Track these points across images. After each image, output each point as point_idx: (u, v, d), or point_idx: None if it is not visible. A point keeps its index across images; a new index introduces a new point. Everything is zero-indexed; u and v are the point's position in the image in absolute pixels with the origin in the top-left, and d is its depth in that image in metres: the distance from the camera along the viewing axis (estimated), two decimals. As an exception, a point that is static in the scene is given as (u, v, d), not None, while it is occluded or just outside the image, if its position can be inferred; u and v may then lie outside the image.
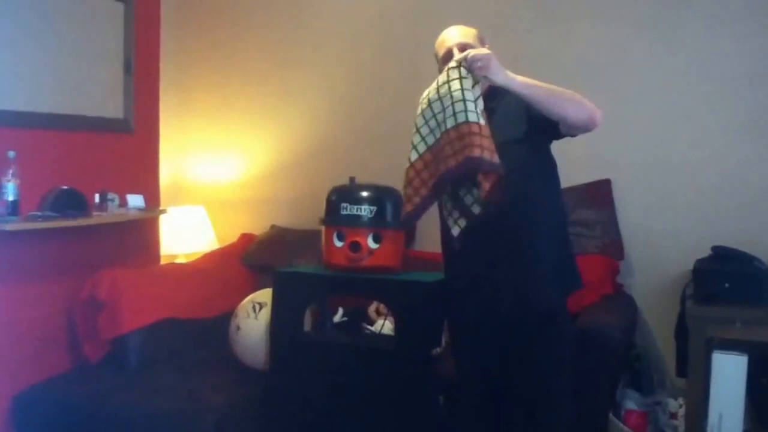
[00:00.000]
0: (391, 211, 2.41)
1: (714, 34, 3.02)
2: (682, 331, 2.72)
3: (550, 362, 2.09)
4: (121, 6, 3.13)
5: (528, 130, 2.06)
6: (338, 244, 2.39)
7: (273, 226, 3.64)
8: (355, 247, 2.36)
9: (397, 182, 2.56)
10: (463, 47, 2.10)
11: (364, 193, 2.40)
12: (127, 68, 3.18)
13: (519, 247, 2.06)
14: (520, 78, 1.98)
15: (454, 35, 2.18)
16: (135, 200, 3.08)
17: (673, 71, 3.08)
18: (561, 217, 2.19)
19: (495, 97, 2.11)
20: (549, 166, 2.14)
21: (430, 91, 2.07)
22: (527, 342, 2.08)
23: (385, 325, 2.67)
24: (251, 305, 2.74)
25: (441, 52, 2.18)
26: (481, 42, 2.17)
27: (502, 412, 2.14)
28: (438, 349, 2.72)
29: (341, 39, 3.60)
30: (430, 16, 3.44)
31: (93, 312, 2.81)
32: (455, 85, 1.96)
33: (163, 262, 3.49)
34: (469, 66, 1.96)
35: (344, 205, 2.39)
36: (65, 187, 2.76)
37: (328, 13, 3.62)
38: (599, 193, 3.13)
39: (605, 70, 3.16)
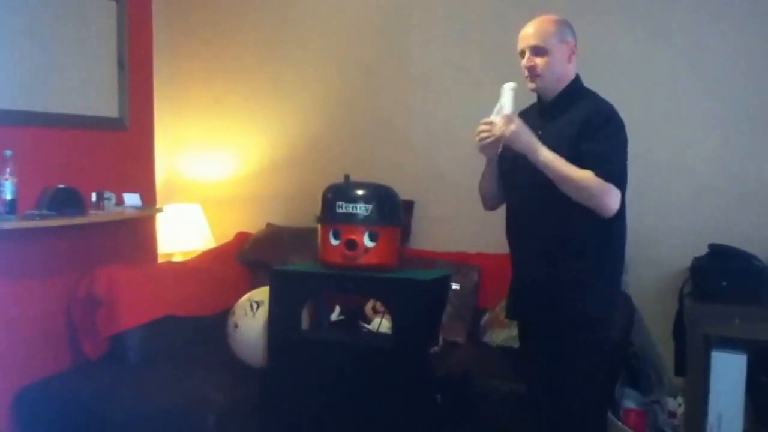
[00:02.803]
0: (387, 209, 2.40)
1: (706, 30, 3.00)
2: (680, 330, 2.71)
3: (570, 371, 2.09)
4: (113, 4, 3.13)
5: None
6: (334, 242, 2.38)
7: (269, 224, 3.63)
8: (351, 245, 2.35)
9: (392, 179, 2.56)
10: (536, 49, 2.10)
11: (360, 191, 2.39)
12: (121, 66, 3.18)
13: (538, 254, 2.12)
14: (543, 153, 2.00)
15: (529, 34, 2.13)
16: (132, 199, 3.08)
17: (665, 68, 3.06)
18: (597, 234, 2.11)
19: (557, 106, 2.14)
20: None
21: None
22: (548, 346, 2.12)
23: (382, 323, 2.66)
24: (249, 303, 2.74)
25: (518, 48, 2.16)
26: (561, 35, 2.11)
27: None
28: (435, 347, 2.71)
29: (335, 36, 3.60)
30: (422, 13, 3.44)
31: (91, 310, 2.81)
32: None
33: (159, 260, 3.48)
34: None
35: (340, 203, 2.38)
36: (62, 186, 2.77)
37: (322, 10, 3.61)
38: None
39: (594, 67, 3.12)
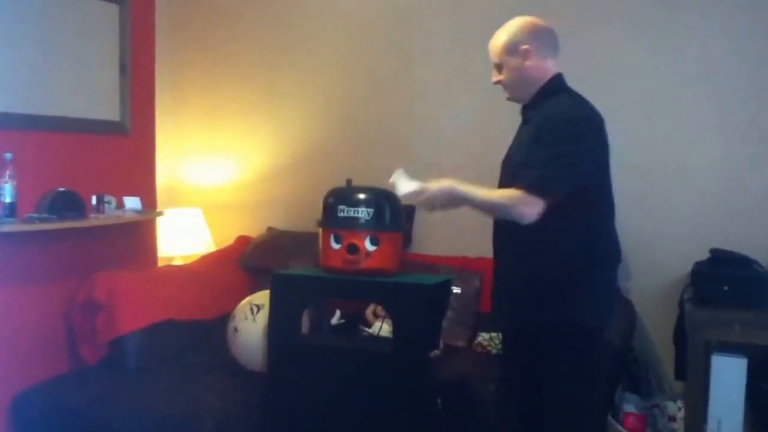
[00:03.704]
0: (389, 213, 2.40)
1: (712, 37, 3.01)
2: (680, 335, 2.71)
3: (557, 375, 2.07)
4: (116, 8, 3.12)
5: None
6: (335, 246, 2.38)
7: (270, 229, 3.63)
8: (353, 249, 2.35)
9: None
10: (497, 66, 2.15)
11: (362, 196, 2.39)
12: (123, 70, 3.17)
13: (512, 261, 2.12)
14: (466, 192, 2.03)
15: (489, 50, 2.17)
16: (132, 202, 3.07)
17: (670, 74, 3.07)
18: (568, 241, 2.05)
19: (530, 109, 2.14)
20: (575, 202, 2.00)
21: None
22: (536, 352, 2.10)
23: (382, 328, 2.66)
24: (249, 307, 2.74)
25: None
26: (511, 48, 2.10)
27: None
28: (436, 352, 2.71)
29: (337, 41, 3.60)
30: (424, 18, 3.44)
31: (90, 314, 2.80)
32: None
33: (160, 264, 3.48)
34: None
35: (341, 207, 2.38)
36: (62, 189, 2.76)
37: (324, 15, 3.62)
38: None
39: (601, 73, 3.16)
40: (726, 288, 2.56)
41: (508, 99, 2.18)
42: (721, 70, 3.00)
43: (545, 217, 1.95)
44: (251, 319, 2.69)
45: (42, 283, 2.80)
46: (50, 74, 2.86)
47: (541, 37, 2.12)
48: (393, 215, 2.41)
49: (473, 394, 2.59)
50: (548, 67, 2.12)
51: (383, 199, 2.41)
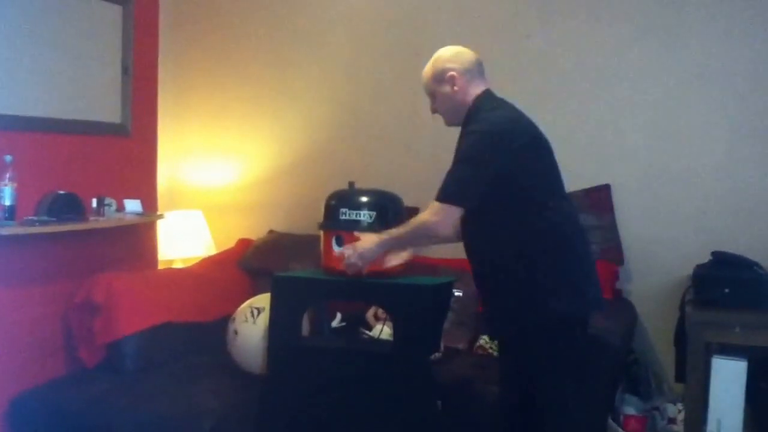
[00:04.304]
0: (391, 215, 2.40)
1: (715, 39, 3.02)
2: (681, 337, 2.72)
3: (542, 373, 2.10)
4: (119, 9, 3.12)
5: None
6: (337, 248, 2.38)
7: (271, 231, 3.63)
8: (354, 251, 2.35)
9: (396, 186, 2.56)
10: (429, 96, 2.25)
11: (364, 198, 2.39)
12: (125, 72, 3.17)
13: (482, 274, 2.18)
14: (378, 241, 2.21)
15: (422, 83, 2.26)
16: (132, 205, 3.07)
17: (673, 76, 3.08)
18: (523, 247, 2.09)
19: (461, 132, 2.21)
20: (506, 201, 2.07)
21: None
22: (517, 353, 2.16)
23: (383, 330, 2.66)
24: (249, 310, 2.73)
25: None
26: (439, 77, 2.19)
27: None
28: (437, 354, 2.71)
29: (340, 43, 3.60)
30: (429, 21, 3.45)
31: (89, 316, 2.80)
32: None
33: (160, 267, 3.47)
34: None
35: (343, 209, 2.38)
36: (62, 192, 2.76)
37: (327, 17, 3.62)
38: (599, 198, 3.13)
39: (604, 74, 3.17)
40: (727, 290, 2.57)
41: (447, 125, 2.28)
42: (724, 73, 3.01)
43: (485, 227, 2.09)
44: (251, 322, 2.69)
45: (41, 285, 2.80)
46: (51, 75, 2.86)
47: (464, 62, 2.20)
48: (395, 218, 2.41)
49: (474, 397, 2.59)
50: (474, 89, 2.19)
51: (385, 202, 2.42)
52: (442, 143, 3.39)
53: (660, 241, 3.09)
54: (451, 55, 2.21)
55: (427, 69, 2.22)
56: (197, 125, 3.85)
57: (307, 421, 2.39)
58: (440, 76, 2.18)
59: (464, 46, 3.36)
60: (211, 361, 2.87)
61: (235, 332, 2.72)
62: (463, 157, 2.09)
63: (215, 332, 2.92)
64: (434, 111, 2.27)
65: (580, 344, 2.13)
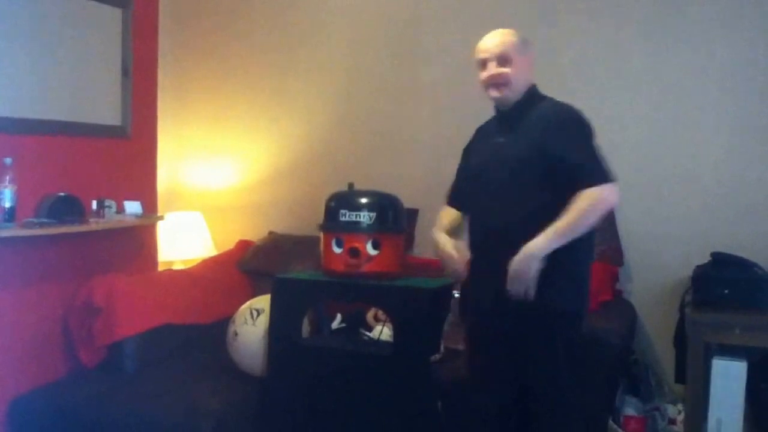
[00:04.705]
0: (391, 217, 2.40)
1: (714, 39, 3.02)
2: (681, 337, 2.72)
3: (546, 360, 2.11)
4: (118, 12, 3.12)
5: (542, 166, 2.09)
6: (337, 250, 2.39)
7: (271, 233, 3.63)
8: (354, 253, 2.35)
9: (396, 188, 2.56)
10: (502, 59, 2.15)
11: (364, 199, 2.40)
12: (125, 74, 3.17)
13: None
14: (549, 236, 2.02)
15: (493, 44, 2.18)
16: (132, 207, 3.07)
17: (672, 76, 3.08)
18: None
19: (517, 113, 2.18)
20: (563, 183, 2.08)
21: None
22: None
23: (383, 331, 2.66)
24: (249, 311, 2.73)
25: (477, 59, 2.22)
26: (522, 48, 2.18)
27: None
28: (437, 355, 2.71)
29: (340, 44, 3.60)
30: (428, 22, 3.45)
31: (89, 318, 2.80)
32: None
33: (160, 268, 3.48)
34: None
35: (343, 211, 2.38)
36: (62, 194, 2.76)
37: (327, 19, 3.62)
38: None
39: (603, 74, 3.17)
40: (726, 291, 2.57)
41: (497, 98, 2.20)
42: (724, 73, 3.01)
43: (535, 210, 2.05)
44: (251, 323, 2.69)
45: (41, 287, 2.80)
46: (51, 78, 2.86)
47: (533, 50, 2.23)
48: (395, 219, 2.42)
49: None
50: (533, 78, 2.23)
51: (385, 203, 2.42)
52: (442, 144, 3.42)
53: (660, 242, 3.09)
54: (527, 40, 2.22)
55: (511, 36, 2.19)
56: (197, 127, 3.85)
57: (307, 422, 2.40)
58: (524, 49, 2.18)
59: (461, 48, 3.37)
60: (211, 363, 2.87)
61: (235, 333, 2.72)
62: (586, 137, 2.11)
63: (215, 333, 2.92)
64: (500, 75, 2.16)
65: (583, 338, 2.17)
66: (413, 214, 3.26)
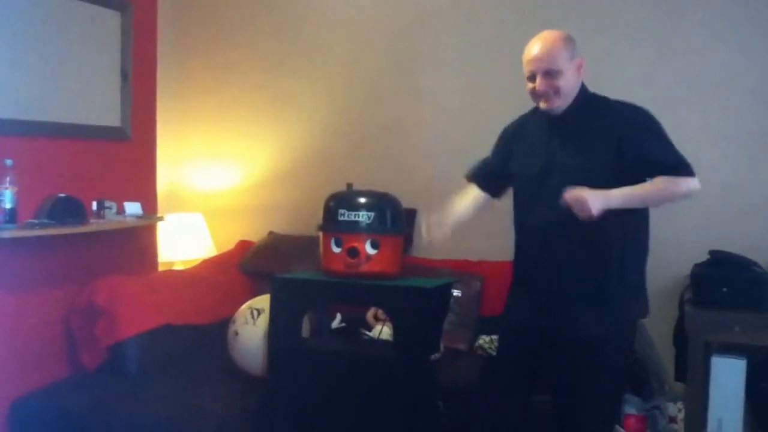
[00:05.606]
0: (390, 217, 2.41)
1: (713, 42, 3.03)
2: (680, 336, 2.72)
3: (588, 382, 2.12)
4: (118, 14, 3.13)
5: (616, 167, 2.08)
6: (336, 250, 2.39)
7: (270, 233, 3.64)
8: (353, 253, 2.36)
9: (395, 188, 2.57)
10: (551, 72, 2.08)
11: (362, 199, 2.40)
12: (125, 76, 3.18)
13: (592, 259, 2.11)
14: (617, 194, 2.02)
15: (540, 57, 2.11)
16: (132, 208, 3.08)
17: (673, 81, 3.08)
18: (638, 242, 2.19)
19: (571, 118, 2.15)
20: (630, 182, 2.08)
21: None
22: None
23: (383, 331, 2.67)
24: (249, 311, 2.74)
25: (525, 69, 2.16)
26: (571, 53, 2.12)
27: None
28: (437, 355, 2.72)
29: (339, 47, 3.61)
30: (428, 26, 3.45)
31: (90, 319, 2.81)
32: None
33: (160, 269, 3.48)
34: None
35: (342, 211, 2.39)
36: (63, 195, 2.77)
37: (326, 22, 3.63)
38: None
39: (601, 78, 3.15)
40: (725, 289, 2.57)
41: (549, 108, 2.14)
42: (722, 74, 3.01)
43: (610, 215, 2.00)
44: (252, 324, 2.69)
45: (42, 288, 2.81)
46: (51, 80, 2.87)
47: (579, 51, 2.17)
48: (394, 219, 2.42)
49: (474, 397, 2.59)
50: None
51: (384, 203, 2.42)
52: (440, 146, 3.43)
53: (658, 241, 3.07)
54: (573, 40, 2.15)
55: (558, 43, 2.10)
56: (197, 128, 3.86)
57: (308, 422, 2.40)
58: (573, 53, 2.12)
59: (461, 51, 3.42)
60: (212, 363, 2.88)
61: (236, 334, 2.73)
62: (661, 134, 2.15)
63: (216, 334, 2.93)
64: (551, 89, 2.10)
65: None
66: (412, 214, 3.27)
